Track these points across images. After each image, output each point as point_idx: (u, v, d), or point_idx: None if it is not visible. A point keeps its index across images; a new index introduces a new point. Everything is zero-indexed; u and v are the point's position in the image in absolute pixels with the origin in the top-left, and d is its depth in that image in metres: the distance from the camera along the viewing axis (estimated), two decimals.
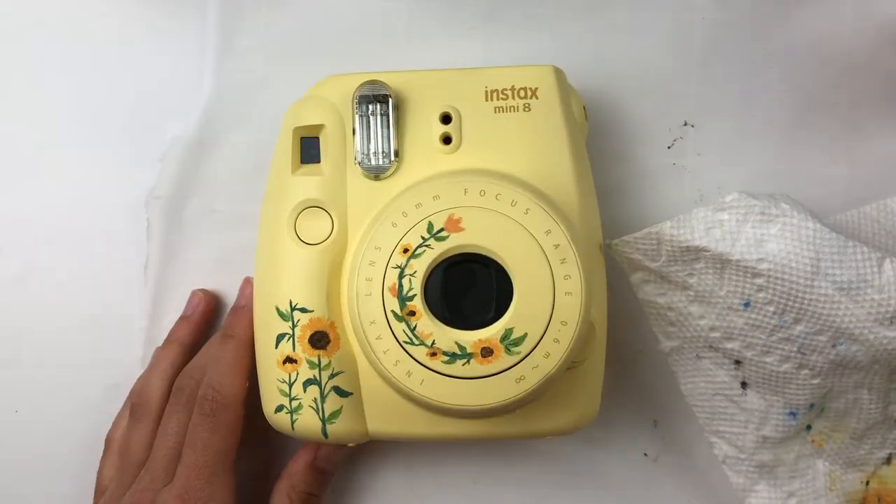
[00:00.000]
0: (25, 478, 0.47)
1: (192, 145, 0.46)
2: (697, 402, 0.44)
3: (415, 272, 0.37)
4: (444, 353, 0.37)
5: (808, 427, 0.43)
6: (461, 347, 0.37)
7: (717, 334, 0.41)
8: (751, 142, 0.47)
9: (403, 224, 0.37)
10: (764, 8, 0.47)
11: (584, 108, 0.43)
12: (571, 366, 0.38)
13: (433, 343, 0.37)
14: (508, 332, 0.37)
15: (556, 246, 0.37)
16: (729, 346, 0.42)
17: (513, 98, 0.40)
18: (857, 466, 0.44)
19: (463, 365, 0.37)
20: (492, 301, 0.37)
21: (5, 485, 0.47)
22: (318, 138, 0.41)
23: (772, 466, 0.43)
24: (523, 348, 0.37)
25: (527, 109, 0.40)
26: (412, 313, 0.37)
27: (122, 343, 0.47)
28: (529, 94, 0.40)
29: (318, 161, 0.41)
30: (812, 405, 0.42)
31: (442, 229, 0.37)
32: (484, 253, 0.37)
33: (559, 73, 0.41)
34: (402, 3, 0.47)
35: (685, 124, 0.47)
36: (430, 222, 0.37)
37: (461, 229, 0.37)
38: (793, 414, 0.42)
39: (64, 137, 0.46)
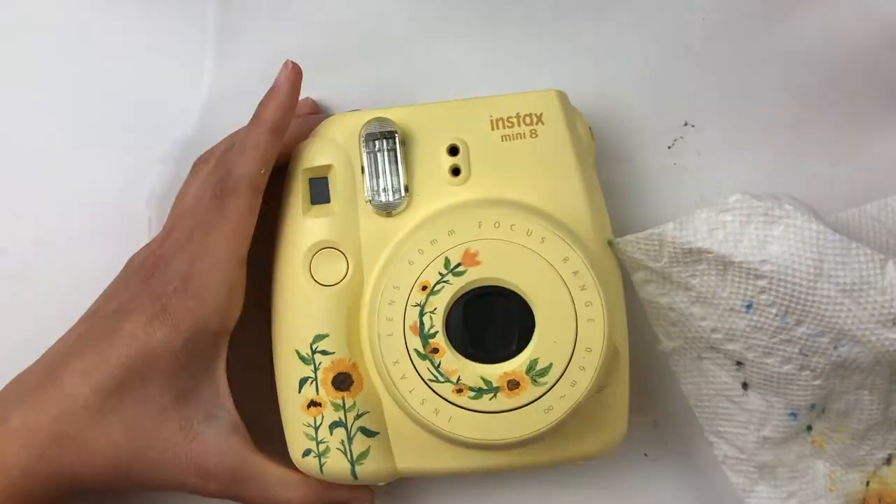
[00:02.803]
0: None
1: (192, 145, 0.46)
2: (698, 403, 0.43)
3: (435, 309, 0.37)
4: (471, 389, 0.37)
5: (809, 428, 0.43)
6: (487, 382, 0.37)
7: (718, 335, 0.41)
8: (751, 142, 0.47)
9: (420, 261, 0.37)
10: (764, 8, 0.47)
11: (589, 129, 0.42)
12: (597, 391, 0.38)
13: (458, 379, 0.37)
14: (534, 363, 0.37)
15: (575, 273, 0.37)
16: (730, 347, 0.41)
17: (519, 125, 0.40)
18: (857, 467, 0.44)
19: (490, 399, 0.37)
20: (514, 333, 0.38)
21: None
22: (326, 178, 0.41)
23: (772, 467, 0.43)
24: (549, 378, 0.37)
25: (534, 136, 0.40)
26: (435, 350, 0.37)
27: None
28: (535, 119, 0.40)
29: (328, 201, 0.40)
30: (813, 406, 0.42)
31: (459, 264, 0.37)
32: (503, 285, 0.37)
33: (563, 97, 0.41)
34: (402, 4, 0.47)
35: (685, 124, 0.47)
36: (446, 258, 0.37)
37: (478, 263, 0.37)
38: (793, 415, 0.42)
39: (64, 137, 0.46)
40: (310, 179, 0.41)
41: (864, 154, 0.47)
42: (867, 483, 0.44)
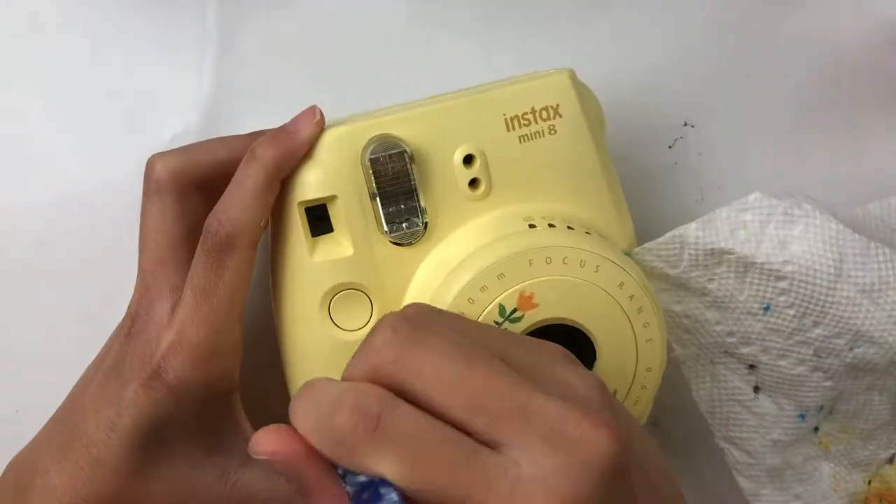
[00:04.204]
0: None
1: None
2: (710, 409, 0.43)
3: None
4: None
5: (816, 429, 0.43)
6: None
7: (733, 339, 0.41)
8: (751, 142, 0.48)
9: (472, 312, 0.35)
10: (764, 8, 0.47)
11: (599, 103, 0.41)
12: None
13: None
14: None
15: (631, 297, 0.36)
16: (745, 350, 0.41)
17: (535, 122, 0.37)
18: (861, 467, 0.44)
19: None
20: None
21: None
22: (324, 205, 0.37)
23: (780, 470, 0.43)
24: None
25: (552, 132, 0.38)
26: None
27: None
28: (552, 113, 0.38)
29: (331, 230, 0.37)
30: (821, 407, 0.42)
31: (515, 310, 0.35)
32: (562, 323, 0.35)
33: (574, 78, 0.39)
34: (402, 3, 0.47)
35: (685, 124, 0.47)
36: (501, 305, 0.35)
37: (535, 305, 0.35)
38: (802, 416, 0.42)
39: (63, 137, 0.46)
40: (306, 209, 0.37)
41: (865, 153, 0.47)
42: (868, 482, 0.44)
